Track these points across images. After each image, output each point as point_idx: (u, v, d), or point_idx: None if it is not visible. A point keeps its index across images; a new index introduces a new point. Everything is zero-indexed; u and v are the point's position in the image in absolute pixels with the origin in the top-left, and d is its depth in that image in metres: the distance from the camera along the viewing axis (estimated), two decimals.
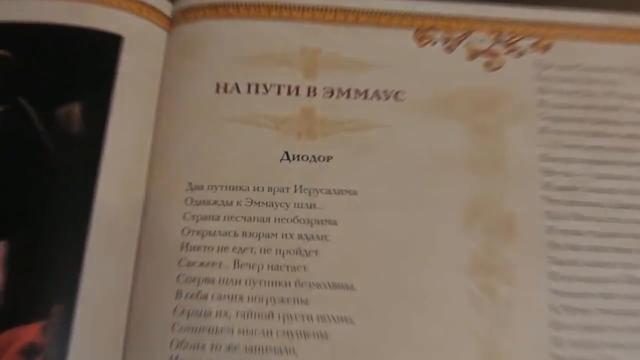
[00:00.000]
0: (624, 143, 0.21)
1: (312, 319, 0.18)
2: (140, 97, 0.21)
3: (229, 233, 0.19)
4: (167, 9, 0.22)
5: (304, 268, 0.19)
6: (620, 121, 0.21)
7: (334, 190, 0.20)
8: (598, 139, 0.21)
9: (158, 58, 0.21)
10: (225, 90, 0.21)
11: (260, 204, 0.19)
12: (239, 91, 0.21)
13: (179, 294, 0.18)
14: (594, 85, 0.21)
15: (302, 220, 0.19)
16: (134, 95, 0.20)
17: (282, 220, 0.19)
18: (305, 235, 0.19)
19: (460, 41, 0.21)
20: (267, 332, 0.18)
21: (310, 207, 0.19)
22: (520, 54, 0.22)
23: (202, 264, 0.19)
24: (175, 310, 0.18)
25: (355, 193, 0.20)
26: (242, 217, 0.19)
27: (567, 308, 0.18)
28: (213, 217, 0.19)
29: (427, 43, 0.22)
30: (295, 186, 0.20)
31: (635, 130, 0.21)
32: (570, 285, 0.19)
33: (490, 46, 0.22)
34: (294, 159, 0.20)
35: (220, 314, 0.18)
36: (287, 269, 0.19)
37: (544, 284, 0.19)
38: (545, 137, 0.21)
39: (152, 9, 0.21)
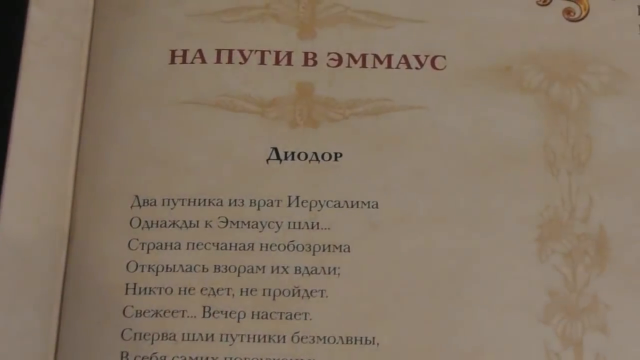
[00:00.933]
0: None
1: None
2: (59, 73, 0.21)
3: (194, 268, 0.19)
4: None
5: (305, 315, 0.19)
6: None
7: (345, 202, 0.20)
8: None
9: (85, 17, 0.22)
10: (184, 60, 0.21)
11: (240, 224, 0.20)
12: (203, 61, 0.21)
13: (124, 357, 0.19)
14: None
15: (300, 247, 0.20)
16: (50, 70, 0.21)
17: (271, 247, 0.20)
18: (306, 268, 0.20)
19: None
20: None
21: (312, 228, 0.20)
22: None
23: (157, 314, 0.19)
24: None
25: (375, 205, 0.20)
26: (214, 243, 0.20)
27: None
28: (171, 245, 0.20)
29: None
30: (290, 197, 0.20)
31: None
32: None
33: None
34: (286, 157, 0.21)
35: None
36: (281, 318, 0.19)
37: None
38: None
39: None
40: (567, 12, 0.22)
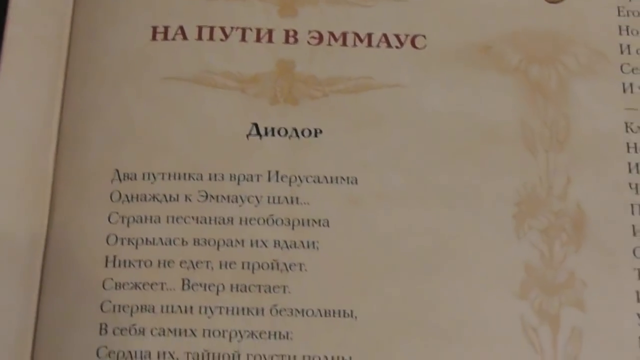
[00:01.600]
0: None
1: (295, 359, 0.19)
2: (41, 51, 0.21)
3: (174, 241, 0.20)
4: None
5: (284, 289, 0.19)
6: None
7: (325, 177, 0.20)
8: None
9: None
10: (166, 37, 0.21)
11: (220, 198, 0.20)
12: (185, 37, 0.22)
13: (103, 329, 0.19)
14: None
15: (279, 221, 0.20)
16: (33, 48, 0.21)
17: (250, 221, 0.20)
18: (285, 242, 0.20)
19: None
20: None
21: (292, 202, 0.20)
22: None
23: (136, 287, 0.19)
24: (98, 353, 0.19)
25: (354, 181, 0.20)
26: (194, 217, 0.20)
27: None
28: (151, 218, 0.20)
29: None
30: (270, 172, 0.20)
31: None
32: None
33: None
34: (266, 133, 0.21)
35: (164, 357, 0.19)
36: (260, 291, 0.19)
37: (629, 306, 0.20)
38: (631, 97, 0.21)
39: None
40: None
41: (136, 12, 0.22)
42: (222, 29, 0.22)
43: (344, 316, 0.19)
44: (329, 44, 0.22)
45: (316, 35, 0.22)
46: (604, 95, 0.22)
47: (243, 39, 0.22)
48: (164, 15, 0.22)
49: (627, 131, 0.21)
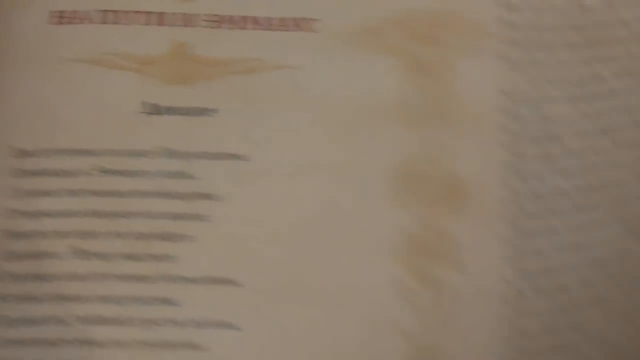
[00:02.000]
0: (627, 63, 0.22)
1: (182, 324, 0.20)
2: None
3: (70, 213, 0.21)
4: None
5: (174, 259, 0.21)
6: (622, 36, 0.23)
7: (217, 154, 0.21)
8: (588, 68, 0.23)
9: None
10: (67, 20, 0.22)
11: (115, 173, 0.21)
12: (86, 21, 0.23)
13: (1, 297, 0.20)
14: None
15: (172, 195, 0.21)
16: None
17: (144, 194, 0.21)
18: (177, 215, 0.21)
19: None
20: (121, 344, 0.20)
21: (185, 177, 0.21)
22: None
23: (33, 256, 0.20)
24: None
25: (246, 158, 0.22)
26: (91, 191, 0.21)
27: (533, 292, 0.21)
28: (50, 193, 0.21)
29: None
30: (164, 149, 0.21)
31: None
32: (538, 263, 0.21)
33: None
34: (162, 112, 0.22)
35: (57, 322, 0.20)
36: (151, 260, 0.21)
37: (501, 266, 0.21)
38: (509, 70, 0.23)
39: None
40: None
41: None
42: (124, 12, 0.23)
43: (230, 284, 0.21)
44: (226, 28, 0.23)
45: (215, 18, 0.23)
46: (486, 71, 0.23)
47: (145, 22, 0.23)
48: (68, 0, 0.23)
49: (506, 104, 0.23)
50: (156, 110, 0.22)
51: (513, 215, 0.21)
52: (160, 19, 0.23)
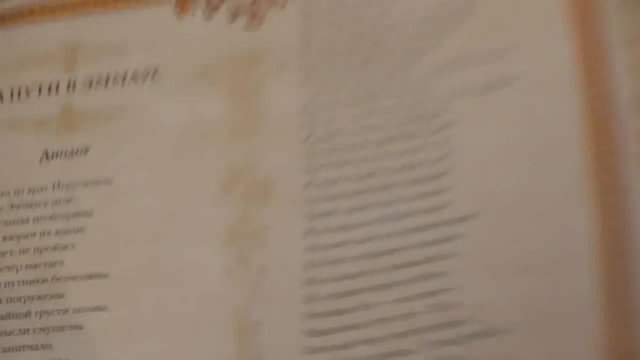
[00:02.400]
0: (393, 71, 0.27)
1: (67, 312, 0.26)
2: None
3: None
4: None
5: (61, 263, 0.27)
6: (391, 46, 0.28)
7: (90, 181, 0.28)
8: (364, 75, 0.27)
9: None
10: None
11: (20, 206, 0.28)
12: (2, 99, 0.30)
13: None
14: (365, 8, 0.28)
15: (59, 216, 0.28)
16: None
17: (40, 219, 0.28)
18: (62, 230, 0.28)
19: (218, 6, 0.30)
20: (24, 331, 0.27)
21: (68, 202, 0.28)
22: (284, 3, 0.29)
23: None
24: None
25: (110, 182, 0.28)
26: (4, 222, 0.28)
27: (322, 262, 0.25)
28: None
29: (187, 14, 0.30)
30: (54, 183, 0.28)
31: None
32: (326, 237, 0.26)
33: (251, 3, 0.29)
34: (52, 156, 0.29)
35: None
36: (45, 266, 0.27)
37: (299, 243, 0.26)
38: (307, 86, 0.28)
39: None
40: (249, 24, 0.29)
41: None
42: (27, 88, 0.31)
43: (102, 277, 0.27)
44: (97, 87, 0.30)
45: (89, 81, 0.30)
46: (288, 89, 0.28)
47: (39, 93, 0.30)
48: None
49: (302, 113, 0.28)
50: (50, 156, 0.29)
51: (308, 200, 0.26)
52: (50, 88, 0.30)
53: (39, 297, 0.27)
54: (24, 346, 0.27)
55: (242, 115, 0.28)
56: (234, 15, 0.30)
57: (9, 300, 0.27)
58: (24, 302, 0.27)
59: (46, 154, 0.29)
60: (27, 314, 0.27)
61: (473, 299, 0.24)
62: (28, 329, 0.27)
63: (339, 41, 0.28)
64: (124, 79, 0.30)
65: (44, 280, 0.27)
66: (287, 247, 0.26)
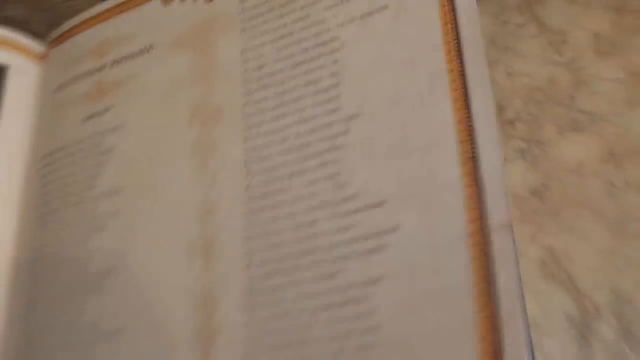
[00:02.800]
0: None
1: None
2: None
3: None
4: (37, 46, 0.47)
5: (94, 185, 0.40)
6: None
7: (111, 128, 0.41)
8: (280, 23, 0.37)
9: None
10: None
11: (75, 153, 0.42)
12: (63, 88, 0.44)
13: None
14: None
15: (94, 154, 0.41)
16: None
17: (85, 158, 0.41)
18: (95, 163, 0.40)
19: None
20: None
21: (99, 145, 0.41)
22: None
23: None
24: None
25: (124, 126, 0.40)
26: (63, 165, 0.42)
27: (256, 158, 0.35)
28: None
29: (170, 2, 0.42)
30: (90, 134, 0.41)
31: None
32: (258, 140, 0.35)
33: None
34: (89, 118, 0.42)
35: None
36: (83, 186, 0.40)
37: (240, 146, 0.36)
38: (245, 38, 0.38)
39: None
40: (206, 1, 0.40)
41: None
42: (75, 76, 0.44)
43: (119, 192, 0.39)
44: (121, 63, 0.43)
45: (113, 61, 0.43)
46: (232, 42, 0.39)
47: (83, 77, 0.44)
48: None
49: (242, 55, 0.38)
50: (87, 118, 0.42)
51: (245, 116, 0.36)
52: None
53: (80, 212, 0.40)
54: None
55: (200, 67, 0.39)
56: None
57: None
58: (74, 218, 0.40)
59: (87, 116, 0.42)
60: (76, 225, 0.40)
61: (360, 179, 0.33)
62: None
63: (269, 9, 0.39)
64: (132, 56, 0.42)
65: (82, 200, 0.40)
66: (231, 149, 0.36)
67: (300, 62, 0.36)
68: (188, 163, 0.37)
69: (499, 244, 0.28)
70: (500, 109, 0.41)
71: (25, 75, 0.46)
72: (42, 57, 0.46)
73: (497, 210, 0.28)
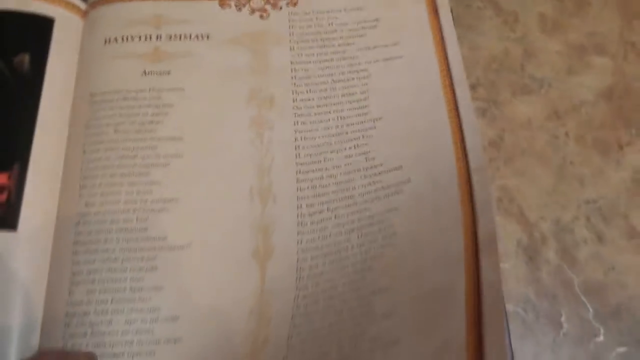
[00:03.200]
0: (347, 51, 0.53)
1: (158, 152, 0.49)
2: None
3: None
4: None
5: (155, 130, 0.50)
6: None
7: (171, 88, 0.51)
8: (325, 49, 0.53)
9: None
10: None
11: (129, 99, 0.51)
12: (116, 41, 0.52)
13: None
14: (320, 19, 0.54)
15: (153, 105, 0.51)
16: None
17: (141, 106, 0.51)
18: (155, 112, 0.50)
19: (245, 4, 0.54)
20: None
21: (158, 98, 0.51)
22: (280, 8, 0.54)
23: None
24: None
25: (182, 90, 0.51)
26: (120, 107, 0.50)
27: (305, 134, 0.50)
28: None
29: (226, 7, 0.54)
30: (150, 88, 0.51)
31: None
32: (305, 126, 0.50)
33: (263, 5, 0.54)
34: (148, 74, 0.51)
35: None
36: (145, 130, 0.50)
37: (291, 125, 0.50)
38: (293, 54, 0.53)
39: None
40: (261, 16, 0.54)
41: None
42: (131, 36, 0.53)
43: (178, 139, 0.50)
44: (178, 39, 0.53)
45: (170, 35, 0.53)
46: (283, 52, 0.53)
47: (139, 39, 0.53)
48: None
49: (292, 65, 0.53)
50: (145, 73, 0.52)
51: (295, 107, 0.51)
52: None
53: (142, 147, 0.49)
54: None
55: (257, 64, 0.53)
56: (253, 10, 0.54)
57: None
58: (132, 150, 0.49)
59: (144, 72, 0.52)
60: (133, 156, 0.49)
61: (383, 154, 0.50)
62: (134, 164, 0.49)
63: (313, 39, 0.54)
64: (190, 37, 0.53)
65: (144, 138, 0.50)
66: (283, 129, 0.51)
67: (339, 80, 0.53)
68: (246, 133, 0.50)
69: (477, 176, 0.48)
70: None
71: (69, 27, 0.53)
72: (84, 14, 0.54)
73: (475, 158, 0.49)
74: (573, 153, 0.49)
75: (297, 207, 0.48)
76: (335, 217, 0.48)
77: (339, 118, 0.51)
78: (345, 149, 0.50)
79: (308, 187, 0.49)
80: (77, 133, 0.49)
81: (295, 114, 0.51)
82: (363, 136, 0.51)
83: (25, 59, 0.50)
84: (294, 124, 0.51)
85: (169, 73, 0.52)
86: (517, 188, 0.49)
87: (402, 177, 0.49)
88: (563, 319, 0.45)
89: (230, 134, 0.50)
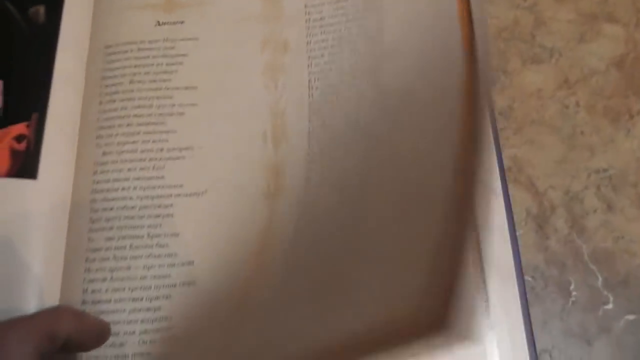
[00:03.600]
0: None
1: (173, 102, 0.49)
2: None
3: None
4: None
5: (169, 80, 0.50)
6: None
7: (185, 38, 0.51)
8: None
9: None
10: None
11: (144, 49, 0.51)
12: None
13: None
14: None
15: (167, 55, 0.50)
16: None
17: (156, 57, 0.50)
18: (169, 62, 0.50)
19: None
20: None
21: (172, 48, 0.50)
22: None
23: None
24: None
25: (197, 39, 0.51)
26: (134, 57, 0.50)
27: (317, 73, 0.49)
28: None
29: None
30: (164, 38, 0.51)
31: None
32: (318, 67, 0.50)
33: None
34: (162, 24, 0.51)
35: None
36: (161, 80, 0.50)
37: (305, 69, 0.50)
38: None
39: None
40: None
41: None
42: None
43: (193, 88, 0.49)
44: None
45: None
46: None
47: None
48: None
49: (306, 14, 0.52)
50: (159, 23, 0.51)
51: (308, 50, 0.50)
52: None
53: (157, 97, 0.49)
54: None
55: (271, 10, 0.52)
56: None
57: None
58: (148, 99, 0.49)
59: (158, 22, 0.51)
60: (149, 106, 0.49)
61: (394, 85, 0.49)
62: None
63: None
64: None
65: (159, 88, 0.50)
66: (298, 72, 0.50)
67: (352, 19, 0.52)
68: (260, 79, 0.50)
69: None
70: None
71: None
72: None
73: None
74: (583, 122, 0.49)
75: (308, 147, 0.48)
76: (344, 150, 0.47)
77: (352, 57, 0.50)
78: (358, 85, 0.49)
79: (319, 126, 0.48)
80: (93, 84, 0.49)
81: (309, 56, 0.51)
82: (377, 69, 0.50)
83: (40, 10, 0.50)
84: (308, 67, 0.50)
85: (182, 23, 0.52)
86: (527, 157, 0.49)
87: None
88: (572, 287, 0.46)
89: (245, 81, 0.50)
